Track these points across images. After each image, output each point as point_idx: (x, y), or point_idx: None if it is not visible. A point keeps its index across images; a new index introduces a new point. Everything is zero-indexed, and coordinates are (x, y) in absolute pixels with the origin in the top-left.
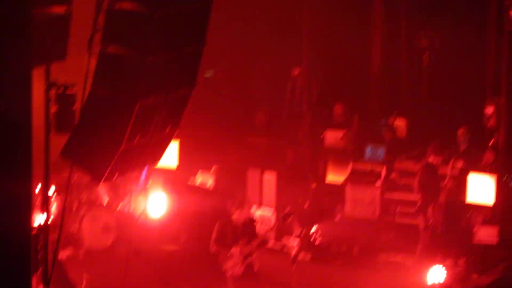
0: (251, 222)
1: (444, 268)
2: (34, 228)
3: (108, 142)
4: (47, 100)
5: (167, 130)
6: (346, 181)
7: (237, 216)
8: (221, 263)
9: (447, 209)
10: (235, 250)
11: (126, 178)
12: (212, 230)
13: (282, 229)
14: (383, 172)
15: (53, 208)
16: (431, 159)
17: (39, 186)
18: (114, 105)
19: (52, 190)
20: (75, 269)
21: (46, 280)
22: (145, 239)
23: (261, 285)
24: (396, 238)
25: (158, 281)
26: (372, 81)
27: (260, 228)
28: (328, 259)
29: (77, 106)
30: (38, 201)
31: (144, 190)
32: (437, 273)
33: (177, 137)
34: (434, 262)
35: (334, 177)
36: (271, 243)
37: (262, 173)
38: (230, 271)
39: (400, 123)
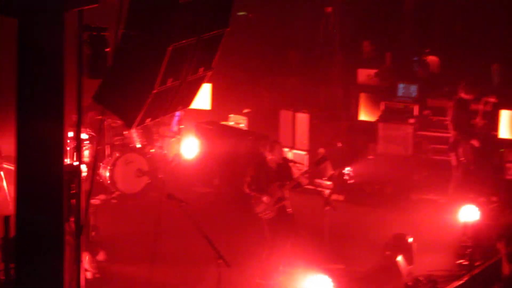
0: (285, 163)
1: (477, 205)
2: (67, 173)
3: (141, 85)
4: (80, 44)
5: (200, 72)
6: (379, 119)
7: (270, 158)
8: (254, 206)
9: (480, 146)
10: (268, 193)
11: (159, 121)
12: (245, 172)
13: (315, 171)
14: (416, 109)
15: (86, 153)
16: (463, 95)
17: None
18: (147, 48)
19: (85, 135)
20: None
21: (78, 228)
22: (179, 182)
23: (294, 227)
24: (430, 175)
25: (191, 223)
26: (405, 18)
27: (294, 170)
28: (361, 199)
29: (110, 50)
30: (71, 146)
31: (177, 133)
32: (470, 210)
33: (210, 80)
34: (467, 199)
35: (367, 115)
36: (304, 185)
37: (294, 113)
38: (262, 214)
39: (432, 60)
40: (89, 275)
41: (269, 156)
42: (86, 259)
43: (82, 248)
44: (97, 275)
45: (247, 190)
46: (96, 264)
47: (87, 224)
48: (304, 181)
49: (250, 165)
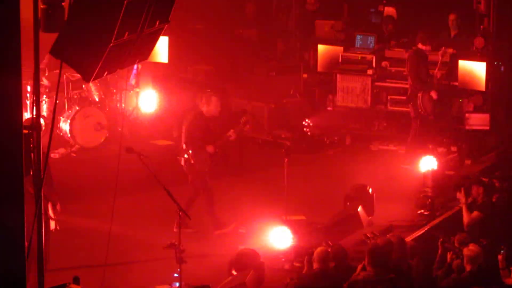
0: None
1: (436, 155)
2: (25, 127)
3: (97, 39)
4: None
5: (156, 25)
6: (337, 70)
7: (206, 110)
8: (190, 158)
9: (438, 96)
10: (211, 144)
11: (117, 75)
12: (182, 125)
13: (273, 123)
14: (374, 61)
15: (45, 107)
16: (420, 46)
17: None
18: (103, 1)
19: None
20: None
21: (38, 182)
22: (137, 136)
23: (251, 179)
24: (389, 126)
25: (151, 176)
26: None
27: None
28: (320, 150)
29: (66, 4)
30: (29, 100)
31: (135, 86)
32: (429, 160)
33: (167, 33)
34: (427, 149)
35: (325, 67)
36: (263, 136)
37: (252, 66)
38: (200, 166)
39: (389, 11)
40: (52, 225)
41: (205, 109)
42: (49, 208)
43: (47, 197)
44: (58, 227)
45: (183, 144)
46: (57, 216)
47: (49, 173)
48: (232, 136)
49: (185, 119)
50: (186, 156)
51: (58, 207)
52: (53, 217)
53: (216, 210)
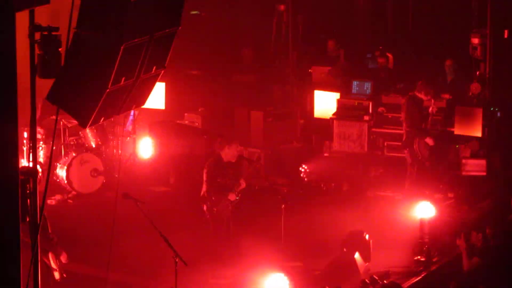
0: (241, 160)
1: (433, 201)
2: (22, 173)
3: (94, 84)
4: (32, 44)
5: (153, 71)
6: (333, 116)
7: (225, 153)
8: (214, 205)
9: (435, 142)
10: (232, 190)
11: (113, 121)
12: (201, 171)
13: (269, 169)
14: (371, 106)
15: (41, 153)
16: (418, 94)
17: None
18: (99, 47)
19: (39, 135)
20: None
21: (35, 228)
22: (134, 182)
23: (248, 226)
24: (385, 172)
25: (147, 222)
26: (358, 15)
27: (249, 167)
28: (317, 196)
29: (62, 49)
30: (25, 147)
31: (132, 132)
32: (426, 206)
33: (164, 79)
34: (423, 195)
35: (322, 112)
36: (259, 183)
37: (249, 112)
38: (222, 211)
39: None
40: (57, 275)
41: (224, 152)
42: (51, 259)
43: (46, 249)
44: (65, 275)
45: (207, 195)
46: (60, 265)
47: (44, 224)
48: (243, 184)
49: (204, 168)
50: (209, 203)
51: (62, 257)
52: (56, 268)
53: (226, 259)
